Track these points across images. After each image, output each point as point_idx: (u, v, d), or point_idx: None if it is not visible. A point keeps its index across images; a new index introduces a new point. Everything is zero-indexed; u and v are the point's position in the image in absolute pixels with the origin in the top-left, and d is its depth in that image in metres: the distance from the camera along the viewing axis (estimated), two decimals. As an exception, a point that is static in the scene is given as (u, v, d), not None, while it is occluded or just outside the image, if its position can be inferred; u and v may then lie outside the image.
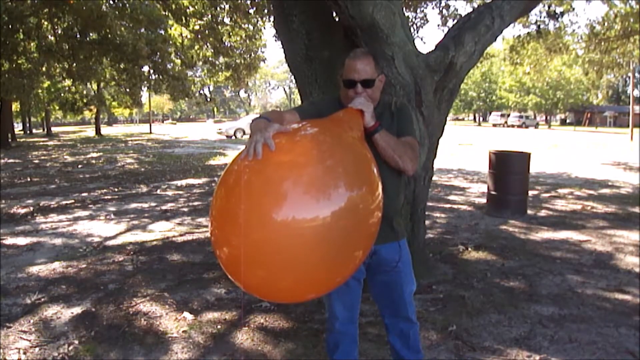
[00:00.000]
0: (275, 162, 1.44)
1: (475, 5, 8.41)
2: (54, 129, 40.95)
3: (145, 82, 17.87)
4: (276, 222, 1.36)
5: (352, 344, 2.07)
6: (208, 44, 13.52)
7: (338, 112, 1.78)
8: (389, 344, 2.10)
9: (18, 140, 27.47)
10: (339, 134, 1.62)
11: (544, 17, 9.62)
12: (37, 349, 2.82)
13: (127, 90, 21.07)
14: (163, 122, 69.06)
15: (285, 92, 74.26)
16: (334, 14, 3.75)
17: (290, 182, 1.40)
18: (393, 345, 2.08)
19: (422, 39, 27.97)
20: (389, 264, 1.94)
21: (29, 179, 10.59)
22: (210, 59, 14.65)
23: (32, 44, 13.32)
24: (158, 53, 14.83)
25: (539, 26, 9.81)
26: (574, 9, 10.35)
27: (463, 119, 64.16)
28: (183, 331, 3.02)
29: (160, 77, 16.60)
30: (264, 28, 13.08)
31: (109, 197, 8.17)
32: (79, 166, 13.50)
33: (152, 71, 16.63)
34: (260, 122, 1.59)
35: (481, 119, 58.23)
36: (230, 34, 12.67)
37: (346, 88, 1.86)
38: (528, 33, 10.57)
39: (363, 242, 1.55)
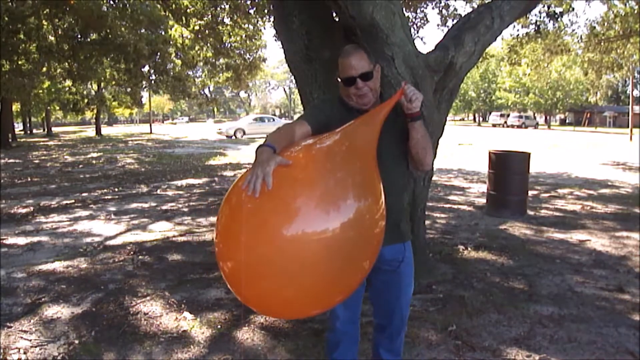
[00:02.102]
0: (287, 180, 1.44)
1: (475, 5, 8.41)
2: (54, 129, 40.98)
3: (146, 83, 17.88)
4: (285, 237, 1.37)
5: (353, 344, 2.08)
6: (208, 45, 13.52)
7: (380, 106, 1.77)
8: (373, 341, 2.10)
9: (18, 140, 27.49)
10: (349, 144, 1.62)
11: (544, 17, 9.61)
12: (37, 348, 2.82)
13: (128, 90, 21.07)
14: (163, 122, 69.15)
15: (285, 92, 74.24)
16: (334, 14, 3.75)
17: (303, 199, 1.42)
18: (376, 346, 2.08)
19: (422, 39, 27.96)
20: (391, 264, 1.94)
21: (29, 179, 10.60)
22: (210, 59, 14.65)
23: (32, 45, 13.31)
24: (158, 53, 14.83)
25: (538, 26, 9.80)
26: (573, 9, 10.34)
27: (463, 119, 64.14)
28: (183, 331, 3.03)
29: (161, 77, 16.60)
30: (264, 28, 13.07)
31: (109, 197, 8.17)
32: (79, 166, 13.50)
33: (152, 71, 16.64)
34: (264, 152, 1.52)
35: (481, 119, 58.24)
36: (231, 34, 12.67)
37: (346, 86, 1.84)
38: (527, 34, 10.56)
39: (369, 252, 1.56)
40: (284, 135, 1.69)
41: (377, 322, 2.08)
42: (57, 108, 27.16)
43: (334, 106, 1.89)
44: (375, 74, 1.86)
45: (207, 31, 12.02)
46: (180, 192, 8.65)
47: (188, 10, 11.33)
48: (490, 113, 53.42)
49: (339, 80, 1.87)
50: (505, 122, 45.68)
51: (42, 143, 25.85)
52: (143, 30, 13.42)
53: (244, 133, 27.24)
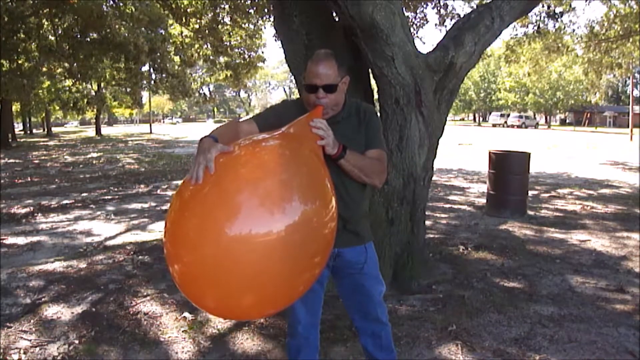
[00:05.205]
0: (232, 175, 1.43)
1: (474, 6, 8.40)
2: (54, 129, 40.99)
3: (145, 82, 17.89)
4: (229, 237, 1.35)
5: (314, 349, 2.04)
6: (208, 44, 13.51)
7: (299, 120, 1.69)
8: (362, 346, 2.08)
9: (18, 140, 27.50)
10: (295, 148, 1.60)
11: (544, 17, 9.62)
12: (37, 348, 2.82)
13: (128, 90, 21.08)
14: (163, 121, 69.29)
15: (285, 92, 74.19)
16: (334, 14, 3.75)
17: (246, 195, 1.39)
18: (365, 348, 2.06)
19: (421, 39, 27.97)
20: (354, 266, 1.91)
21: (29, 179, 10.60)
22: (210, 57, 14.65)
23: (32, 44, 13.32)
24: (158, 52, 14.84)
25: (538, 26, 9.80)
26: (574, 8, 10.34)
27: (463, 119, 64.16)
28: (183, 331, 3.03)
29: (161, 75, 16.61)
30: (264, 28, 13.08)
31: (109, 197, 8.17)
32: (80, 166, 13.51)
33: (152, 70, 16.64)
34: (205, 142, 1.51)
35: (481, 119, 58.24)
36: (231, 33, 12.66)
37: (307, 93, 1.79)
38: (525, 34, 10.56)
39: (320, 251, 1.55)
40: (228, 130, 1.67)
41: (357, 325, 2.06)
42: (57, 108, 27.17)
43: (293, 109, 1.84)
44: (341, 86, 1.81)
45: (207, 30, 12.03)
46: (180, 192, 8.64)
47: (188, 10, 11.33)
48: (490, 113, 53.44)
49: (303, 83, 1.82)
50: (505, 122, 45.71)
51: (42, 143, 25.86)
52: (143, 29, 13.44)
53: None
